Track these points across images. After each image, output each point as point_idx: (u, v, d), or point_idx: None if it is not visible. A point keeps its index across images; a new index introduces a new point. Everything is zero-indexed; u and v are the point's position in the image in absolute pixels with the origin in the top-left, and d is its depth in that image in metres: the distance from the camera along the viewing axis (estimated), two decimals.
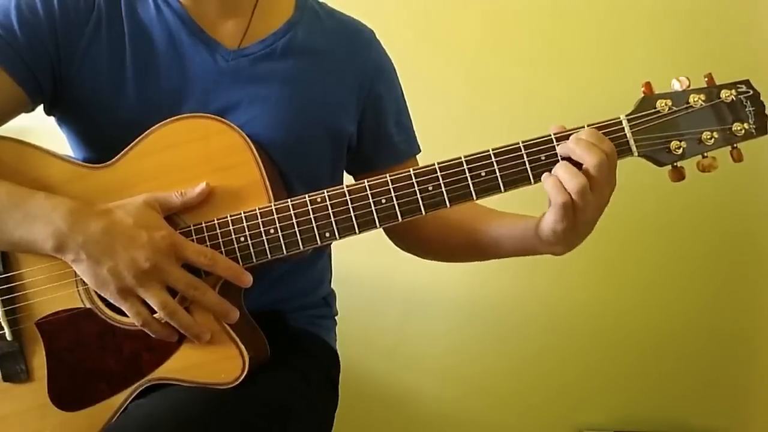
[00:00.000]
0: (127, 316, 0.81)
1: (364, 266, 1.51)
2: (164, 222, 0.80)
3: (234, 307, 0.81)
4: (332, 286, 1.13)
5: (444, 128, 1.50)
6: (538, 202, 0.84)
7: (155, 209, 0.80)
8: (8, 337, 0.84)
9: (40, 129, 0.94)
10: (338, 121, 0.97)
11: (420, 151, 1.07)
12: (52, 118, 0.95)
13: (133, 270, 0.77)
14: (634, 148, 0.78)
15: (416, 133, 1.08)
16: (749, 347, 1.57)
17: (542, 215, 0.83)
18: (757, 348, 1.57)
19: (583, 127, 0.78)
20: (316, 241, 0.82)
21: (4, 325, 0.85)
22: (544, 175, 0.78)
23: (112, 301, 0.79)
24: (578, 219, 0.78)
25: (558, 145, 0.78)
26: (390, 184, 0.80)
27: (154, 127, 0.85)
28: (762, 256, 1.54)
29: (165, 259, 0.78)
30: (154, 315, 0.79)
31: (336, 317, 1.12)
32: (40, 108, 0.93)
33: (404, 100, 1.07)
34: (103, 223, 0.78)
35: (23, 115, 0.91)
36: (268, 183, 0.83)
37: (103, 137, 0.89)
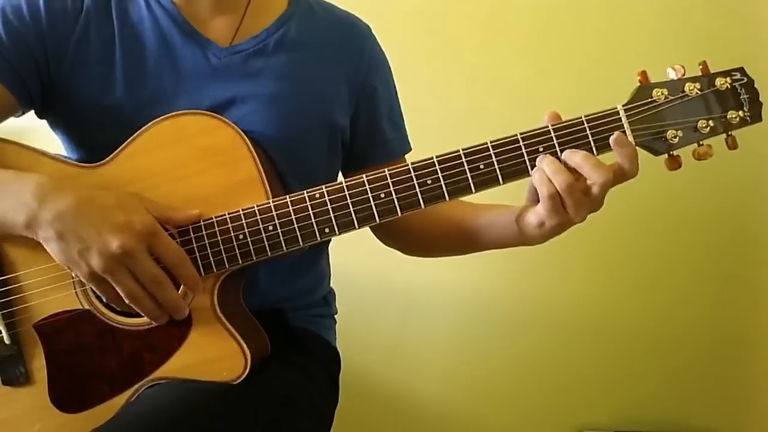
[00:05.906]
0: (126, 317, 0.81)
1: (364, 266, 1.51)
2: (148, 212, 0.78)
3: (185, 306, 0.80)
4: (332, 286, 1.12)
5: (442, 123, 1.50)
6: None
7: (141, 201, 0.79)
8: (6, 340, 0.84)
9: (36, 129, 0.94)
10: (333, 115, 0.97)
11: (411, 149, 1.06)
12: None
13: (104, 255, 0.73)
14: (630, 138, 0.78)
15: (415, 128, 1.08)
16: (750, 348, 1.57)
17: (523, 206, 0.84)
18: (758, 348, 1.57)
19: (580, 117, 0.78)
20: (316, 237, 0.81)
21: (2, 328, 0.84)
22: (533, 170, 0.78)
23: (85, 282, 0.77)
24: (569, 216, 0.78)
25: (556, 142, 0.78)
26: (389, 178, 0.80)
27: (147, 125, 0.84)
28: (763, 257, 1.53)
29: (137, 245, 0.74)
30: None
31: (335, 316, 1.12)
32: None
33: (397, 97, 1.07)
34: (77, 197, 0.75)
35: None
36: (265, 179, 0.82)
37: (96, 138, 0.88)
